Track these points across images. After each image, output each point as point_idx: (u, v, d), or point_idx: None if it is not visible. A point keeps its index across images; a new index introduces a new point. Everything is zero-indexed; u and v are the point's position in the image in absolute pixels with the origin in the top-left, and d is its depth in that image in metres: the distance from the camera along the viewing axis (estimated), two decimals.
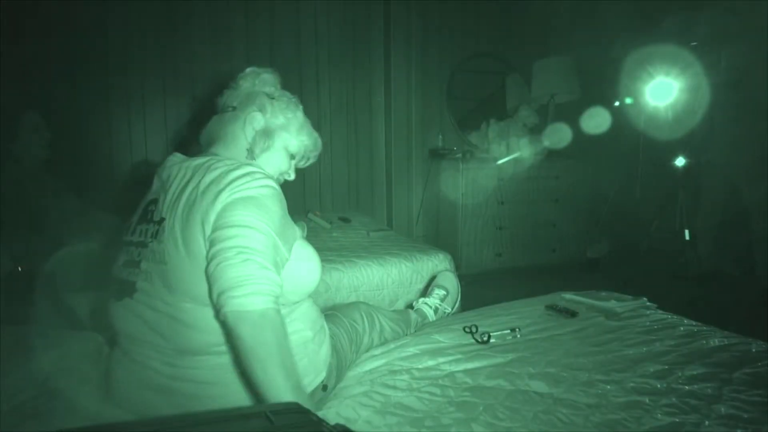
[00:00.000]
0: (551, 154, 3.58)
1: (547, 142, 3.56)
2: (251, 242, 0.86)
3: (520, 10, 3.89)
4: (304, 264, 1.01)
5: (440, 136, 3.65)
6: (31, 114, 1.95)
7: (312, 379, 1.03)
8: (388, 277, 2.09)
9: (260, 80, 1.13)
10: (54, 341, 1.14)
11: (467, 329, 1.38)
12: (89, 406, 0.95)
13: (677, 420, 0.95)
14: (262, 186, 0.93)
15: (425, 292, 1.90)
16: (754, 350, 1.26)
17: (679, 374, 1.13)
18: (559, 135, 3.52)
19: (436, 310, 1.67)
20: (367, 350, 1.31)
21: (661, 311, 1.58)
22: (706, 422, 0.94)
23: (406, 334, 1.45)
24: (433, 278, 1.96)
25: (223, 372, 0.91)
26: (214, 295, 0.84)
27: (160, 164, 1.08)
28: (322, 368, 1.07)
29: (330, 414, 0.99)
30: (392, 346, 1.30)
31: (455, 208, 3.36)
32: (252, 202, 0.90)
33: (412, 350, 1.27)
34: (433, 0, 3.65)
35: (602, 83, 3.36)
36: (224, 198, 0.89)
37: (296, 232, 1.04)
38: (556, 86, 3.58)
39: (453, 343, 1.32)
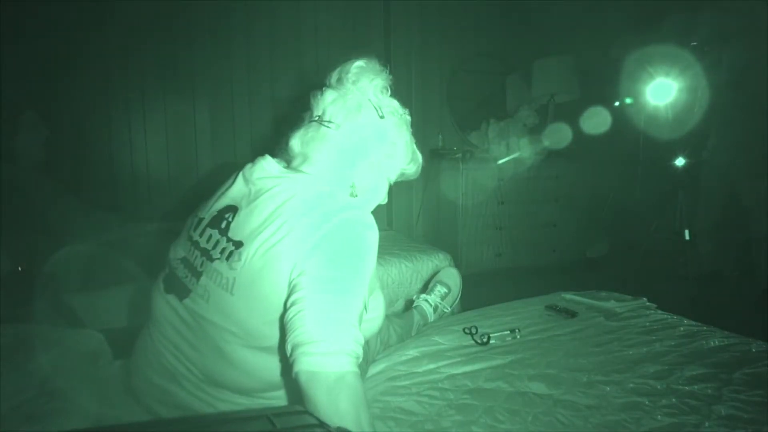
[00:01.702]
0: (551, 154, 3.58)
1: (547, 142, 3.56)
2: (340, 295, 0.77)
3: (520, 10, 3.89)
4: (370, 315, 0.92)
5: (440, 136, 3.65)
6: (28, 113, 1.95)
7: None
8: (388, 277, 2.09)
9: (373, 87, 0.96)
10: (54, 341, 1.13)
11: (467, 330, 1.38)
12: (89, 406, 0.95)
13: (677, 421, 0.95)
14: (365, 237, 0.83)
15: (427, 285, 1.88)
16: (754, 350, 1.26)
17: (679, 375, 1.13)
18: (559, 135, 3.52)
19: (435, 308, 1.65)
20: None
21: (661, 311, 1.58)
22: (706, 423, 0.94)
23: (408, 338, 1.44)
24: (436, 272, 1.93)
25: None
26: (288, 347, 0.74)
27: (247, 164, 0.96)
28: None
29: None
30: (392, 349, 1.31)
31: (455, 208, 3.36)
32: (350, 254, 0.81)
33: (412, 353, 1.27)
34: (433, 0, 3.65)
35: (602, 83, 3.36)
36: (318, 243, 0.79)
37: (377, 282, 0.96)
38: (556, 86, 3.59)
39: (453, 344, 1.32)
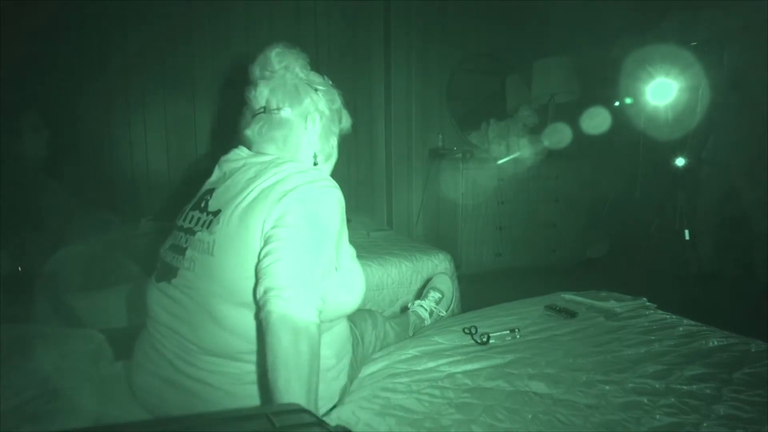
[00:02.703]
0: (551, 154, 3.58)
1: (547, 142, 3.56)
2: (310, 253, 0.84)
3: (520, 10, 3.89)
4: (348, 286, 0.98)
5: (440, 136, 3.66)
6: (30, 113, 1.95)
7: (322, 405, 1.00)
8: (388, 277, 2.09)
9: (299, 67, 1.05)
10: (54, 341, 1.13)
11: (467, 330, 1.38)
12: (89, 406, 0.95)
13: (677, 420, 0.95)
14: (329, 196, 0.92)
15: (421, 293, 1.90)
16: (753, 350, 1.26)
17: (679, 374, 1.13)
18: (559, 135, 3.52)
19: (431, 313, 1.67)
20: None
21: (660, 311, 1.58)
22: (706, 423, 0.94)
23: (405, 338, 1.45)
24: (429, 279, 1.96)
25: (239, 383, 0.89)
26: (260, 290, 0.81)
27: (224, 155, 1.06)
28: (335, 396, 1.05)
29: (330, 417, 0.99)
30: (392, 348, 1.30)
31: (455, 208, 3.37)
32: (314, 207, 0.88)
33: (411, 352, 1.27)
34: (433, 0, 3.65)
35: (602, 83, 3.36)
36: (290, 199, 0.87)
37: (351, 248, 1.03)
38: (556, 86, 3.59)
39: (452, 344, 1.32)
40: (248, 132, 1.04)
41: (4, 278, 1.66)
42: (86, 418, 0.92)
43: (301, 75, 1.04)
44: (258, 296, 0.82)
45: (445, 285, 1.81)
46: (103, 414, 0.94)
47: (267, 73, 1.03)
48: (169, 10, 3.00)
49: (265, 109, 1.02)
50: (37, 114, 1.96)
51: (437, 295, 1.74)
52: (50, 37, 2.70)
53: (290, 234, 0.84)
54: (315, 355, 0.80)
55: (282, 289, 0.79)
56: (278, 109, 1.01)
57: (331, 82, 1.11)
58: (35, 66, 2.64)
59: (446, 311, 1.73)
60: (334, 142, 1.10)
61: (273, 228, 0.85)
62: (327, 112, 1.06)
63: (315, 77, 1.08)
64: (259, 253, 0.84)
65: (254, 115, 1.03)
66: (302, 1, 3.35)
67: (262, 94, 1.03)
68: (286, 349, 0.77)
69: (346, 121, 1.15)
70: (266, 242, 0.84)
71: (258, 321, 0.84)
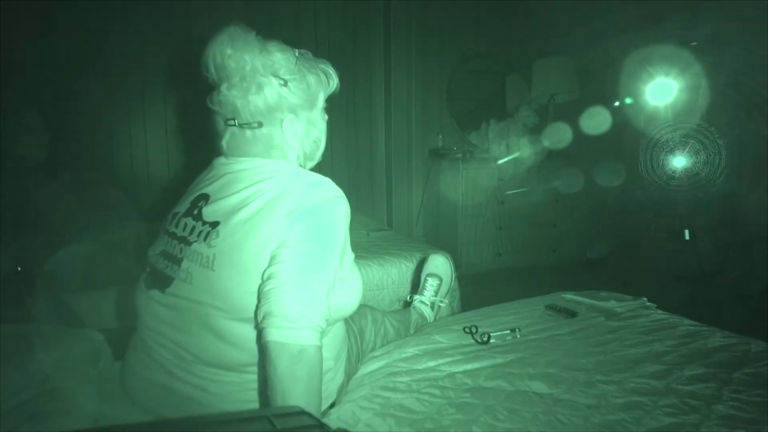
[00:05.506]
0: (551, 154, 3.58)
1: (547, 142, 3.56)
2: (314, 272, 0.83)
3: (520, 10, 3.89)
4: (347, 289, 0.97)
5: (440, 136, 3.66)
6: (30, 115, 1.95)
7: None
8: (388, 277, 2.09)
9: (257, 56, 0.92)
10: (54, 341, 1.13)
11: (467, 330, 1.38)
12: (89, 406, 0.95)
13: (677, 420, 0.95)
14: (337, 209, 0.90)
15: (418, 281, 1.83)
16: (753, 350, 1.26)
17: (679, 374, 1.13)
18: (559, 135, 3.52)
19: (432, 306, 1.64)
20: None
21: (661, 311, 1.58)
22: (706, 423, 0.94)
23: (407, 335, 1.45)
24: (422, 260, 1.86)
25: (240, 391, 0.89)
26: (260, 314, 0.81)
27: (215, 158, 1.02)
28: (333, 395, 1.05)
29: (330, 418, 0.99)
30: (392, 347, 1.30)
31: (455, 208, 3.37)
32: (322, 222, 0.87)
33: (412, 351, 1.27)
34: (433, 0, 3.65)
35: (602, 83, 3.36)
36: (298, 217, 0.85)
37: (351, 254, 1.00)
38: (556, 86, 3.59)
39: (453, 343, 1.32)
40: (223, 143, 0.98)
41: (4, 278, 1.66)
42: (86, 418, 0.91)
43: (261, 69, 0.92)
44: (258, 319, 0.81)
45: (442, 267, 1.71)
46: (102, 414, 0.93)
47: (224, 75, 0.92)
48: (169, 10, 3.00)
49: (236, 122, 0.94)
50: (37, 115, 1.96)
51: (435, 281, 1.66)
52: (50, 37, 2.70)
53: (295, 255, 0.82)
54: (314, 376, 0.80)
55: (279, 317, 0.79)
56: (249, 125, 0.94)
57: (297, 53, 0.98)
58: (36, 67, 2.64)
59: (447, 291, 1.65)
60: (316, 129, 1.02)
61: (279, 248, 0.83)
62: (301, 101, 0.96)
63: (276, 57, 0.94)
64: (264, 272, 0.83)
65: (226, 124, 0.96)
66: (302, 1, 3.35)
67: (227, 104, 0.93)
68: (281, 376, 0.77)
69: (330, 83, 1.04)
70: (271, 262, 0.83)
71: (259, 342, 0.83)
